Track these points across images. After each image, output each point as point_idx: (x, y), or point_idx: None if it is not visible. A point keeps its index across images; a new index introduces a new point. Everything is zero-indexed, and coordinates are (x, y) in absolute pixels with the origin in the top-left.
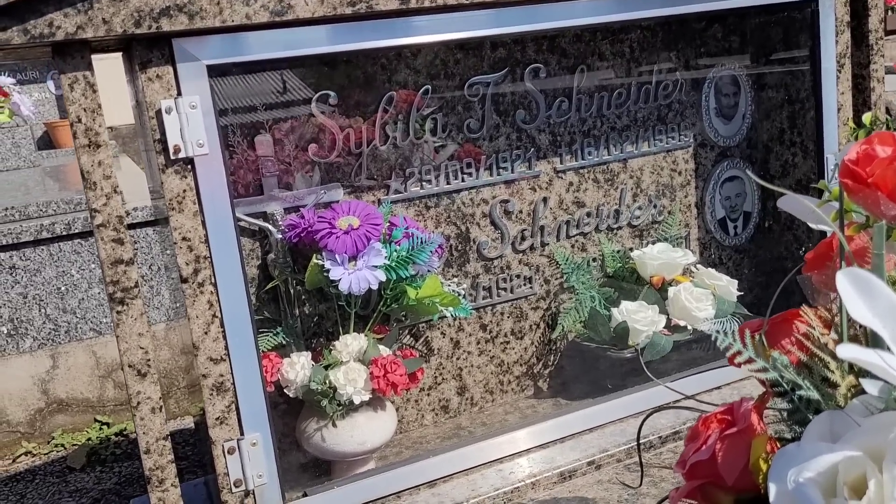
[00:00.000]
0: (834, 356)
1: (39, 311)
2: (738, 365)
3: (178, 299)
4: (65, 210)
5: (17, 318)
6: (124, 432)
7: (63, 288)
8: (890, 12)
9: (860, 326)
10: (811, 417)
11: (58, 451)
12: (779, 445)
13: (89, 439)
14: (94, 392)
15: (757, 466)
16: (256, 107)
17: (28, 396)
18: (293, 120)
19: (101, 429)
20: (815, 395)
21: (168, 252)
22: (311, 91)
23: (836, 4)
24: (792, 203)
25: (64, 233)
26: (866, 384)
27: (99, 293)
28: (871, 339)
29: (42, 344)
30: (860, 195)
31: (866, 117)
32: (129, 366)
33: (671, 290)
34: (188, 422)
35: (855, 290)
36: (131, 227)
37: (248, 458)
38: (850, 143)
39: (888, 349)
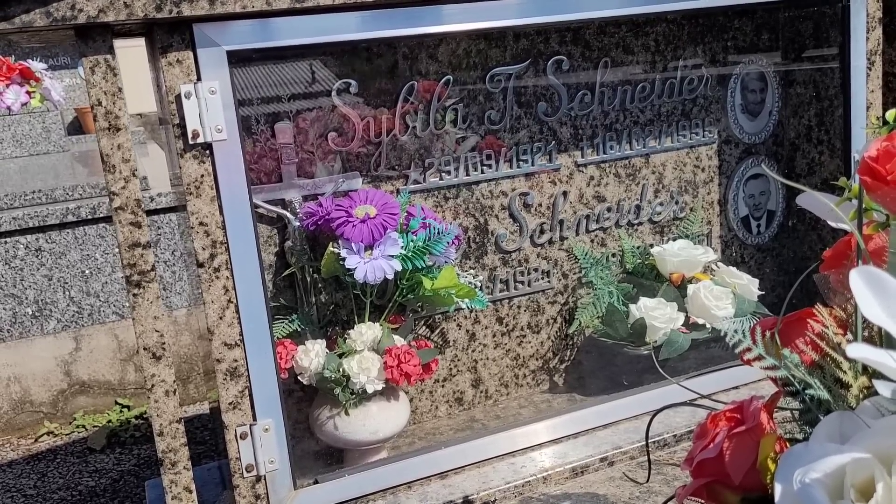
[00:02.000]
0: (847, 357)
1: (64, 293)
2: (749, 362)
3: (195, 284)
4: (90, 194)
5: (41, 300)
6: (144, 415)
7: (87, 271)
8: None
9: (875, 327)
10: (822, 418)
11: (79, 432)
12: (788, 445)
13: (110, 421)
14: (116, 375)
15: (765, 466)
16: (276, 94)
17: (51, 377)
18: (313, 108)
19: (121, 411)
20: (825, 394)
21: (186, 237)
22: (332, 79)
23: (869, 0)
24: (811, 200)
25: (89, 216)
26: (879, 386)
27: (122, 277)
28: (886, 340)
29: (66, 326)
30: (879, 193)
31: (891, 114)
32: (145, 348)
33: (691, 288)
34: (205, 407)
35: (869, 289)
36: (155, 212)
37: (261, 444)
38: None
39: None
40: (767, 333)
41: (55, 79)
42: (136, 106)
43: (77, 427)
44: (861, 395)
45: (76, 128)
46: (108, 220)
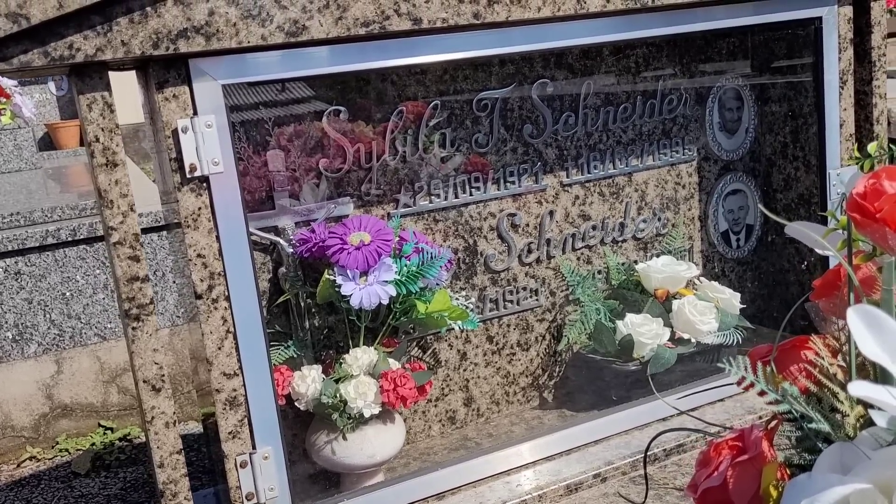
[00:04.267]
0: (842, 386)
1: (44, 316)
2: (747, 388)
3: (188, 308)
4: (70, 216)
5: (21, 324)
6: (128, 437)
7: (68, 293)
8: (889, 15)
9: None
10: (820, 446)
11: (62, 456)
12: (788, 472)
13: (93, 444)
14: (99, 397)
15: (767, 493)
16: (268, 122)
17: (32, 401)
18: (304, 135)
19: (105, 434)
20: (825, 427)
21: (180, 261)
22: (323, 106)
23: (840, 22)
24: (799, 231)
25: (69, 238)
26: (875, 416)
27: (104, 298)
28: (881, 375)
29: (47, 349)
30: (868, 229)
31: (872, 146)
32: (144, 381)
33: (675, 304)
34: (192, 427)
35: (865, 327)
36: None
37: (260, 472)
38: (852, 167)
39: None
40: (760, 364)
41: (25, 95)
42: None
43: (60, 451)
44: (858, 425)
45: (47, 144)
46: (88, 241)
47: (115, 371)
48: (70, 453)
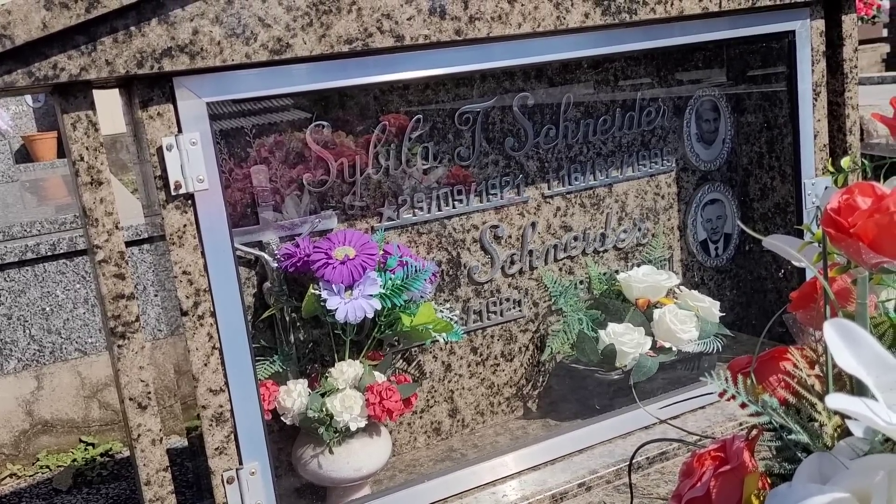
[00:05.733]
0: (820, 397)
1: (24, 331)
2: (729, 400)
3: (171, 322)
4: (49, 230)
5: (1, 340)
6: (110, 452)
7: (48, 308)
8: (860, 22)
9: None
10: (800, 455)
11: (43, 473)
12: (770, 482)
13: (74, 460)
14: (80, 412)
15: (749, 503)
16: (250, 136)
17: (12, 418)
18: (287, 149)
19: (86, 449)
20: (804, 437)
21: (161, 273)
22: (307, 121)
23: (813, 35)
24: (776, 245)
25: (49, 253)
26: (852, 426)
27: (84, 313)
28: (857, 387)
29: (27, 365)
30: (843, 244)
31: (845, 161)
32: (130, 399)
33: (656, 313)
34: (174, 440)
35: (841, 340)
36: None
37: (248, 488)
38: (826, 178)
39: (873, 396)
40: (741, 376)
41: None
42: None
43: (41, 468)
44: (836, 435)
45: (24, 156)
46: (68, 256)
47: (96, 386)
48: (51, 470)
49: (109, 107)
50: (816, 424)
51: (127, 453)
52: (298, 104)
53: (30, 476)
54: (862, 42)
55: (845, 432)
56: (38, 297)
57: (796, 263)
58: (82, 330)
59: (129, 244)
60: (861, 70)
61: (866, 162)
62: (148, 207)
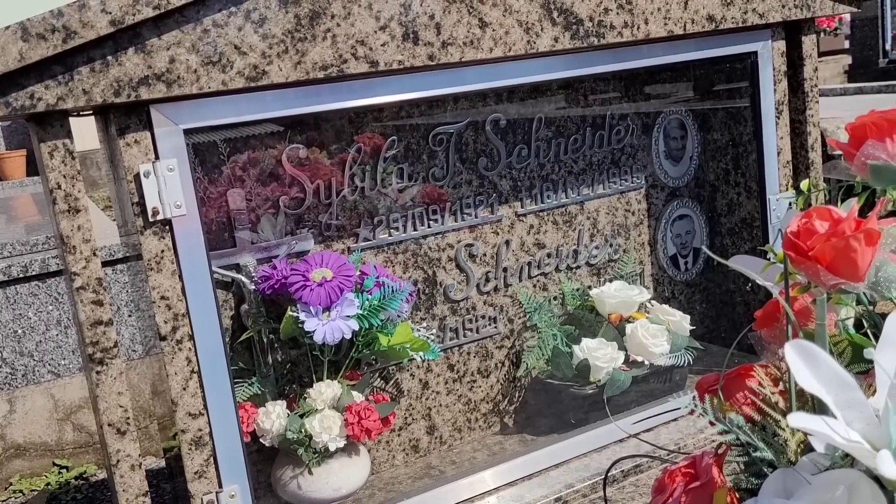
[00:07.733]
0: (784, 414)
1: None
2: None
3: (146, 343)
4: (21, 252)
5: None
6: (84, 476)
7: (20, 331)
8: (822, 34)
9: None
10: (766, 471)
11: (16, 498)
12: (738, 497)
13: (48, 484)
14: (53, 435)
15: None
16: (226, 158)
17: None
18: (263, 171)
19: (60, 473)
20: (769, 454)
21: (134, 294)
22: (283, 142)
23: (774, 55)
24: (743, 263)
25: (21, 275)
26: (814, 441)
27: (57, 335)
28: (818, 405)
29: None
30: (802, 266)
31: (804, 184)
32: (109, 424)
33: (629, 327)
34: (150, 461)
35: (801, 360)
36: None
37: None
38: (790, 194)
39: (832, 414)
40: (708, 395)
41: None
42: None
43: (14, 493)
44: (799, 450)
45: None
46: (40, 277)
47: (70, 408)
48: (24, 494)
49: (80, 123)
50: (781, 440)
51: (102, 476)
52: (274, 126)
53: (3, 501)
54: (824, 54)
55: (808, 448)
56: (10, 319)
57: (760, 282)
58: (55, 352)
59: (103, 264)
60: (824, 81)
61: (829, 186)
62: (123, 227)
